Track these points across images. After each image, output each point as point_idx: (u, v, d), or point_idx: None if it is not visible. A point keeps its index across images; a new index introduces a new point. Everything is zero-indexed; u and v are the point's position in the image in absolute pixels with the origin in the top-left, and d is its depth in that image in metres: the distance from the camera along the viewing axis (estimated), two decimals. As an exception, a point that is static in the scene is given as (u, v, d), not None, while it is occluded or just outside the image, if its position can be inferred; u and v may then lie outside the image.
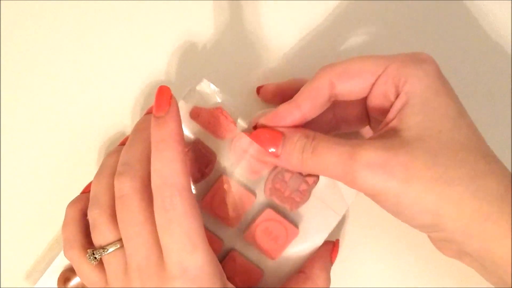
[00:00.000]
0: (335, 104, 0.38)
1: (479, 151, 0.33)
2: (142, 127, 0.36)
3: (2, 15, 0.43)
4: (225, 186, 0.37)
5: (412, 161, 0.32)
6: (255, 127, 0.37)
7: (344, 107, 0.39)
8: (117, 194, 0.33)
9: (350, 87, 0.36)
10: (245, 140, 0.36)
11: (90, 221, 0.34)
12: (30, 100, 0.42)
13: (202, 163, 0.37)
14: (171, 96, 0.33)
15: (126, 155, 0.35)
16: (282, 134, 0.36)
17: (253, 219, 0.37)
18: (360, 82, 0.35)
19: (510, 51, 0.43)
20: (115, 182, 0.34)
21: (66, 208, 0.37)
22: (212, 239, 0.37)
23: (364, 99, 0.37)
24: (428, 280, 0.41)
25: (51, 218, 0.41)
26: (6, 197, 0.41)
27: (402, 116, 0.33)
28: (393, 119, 0.34)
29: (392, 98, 0.35)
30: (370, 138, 0.35)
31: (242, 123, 0.37)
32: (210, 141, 0.37)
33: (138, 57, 0.43)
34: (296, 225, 0.37)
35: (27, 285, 0.41)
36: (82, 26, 0.43)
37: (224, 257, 0.37)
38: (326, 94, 0.36)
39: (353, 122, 0.39)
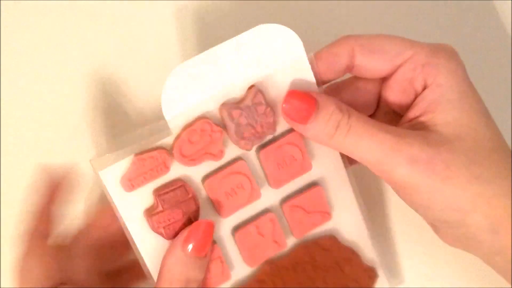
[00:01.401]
0: (343, 87, 0.37)
1: (507, 151, 0.33)
2: None
3: (2, 15, 0.43)
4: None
5: (453, 160, 0.32)
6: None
7: (353, 90, 0.37)
8: None
9: (372, 62, 0.35)
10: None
11: None
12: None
13: (188, 210, 0.35)
14: None
15: None
16: (316, 101, 0.33)
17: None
18: (383, 60, 0.35)
19: (510, 51, 0.43)
20: None
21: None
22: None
23: (379, 85, 0.36)
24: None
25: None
26: (6, 197, 0.42)
27: (437, 110, 0.33)
28: (424, 112, 0.34)
29: (418, 88, 0.34)
30: (403, 128, 0.34)
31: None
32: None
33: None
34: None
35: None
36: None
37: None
38: (344, 62, 0.35)
39: (358, 107, 0.36)
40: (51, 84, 0.42)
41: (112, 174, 0.33)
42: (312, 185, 0.37)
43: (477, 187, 0.32)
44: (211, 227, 0.33)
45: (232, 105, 0.34)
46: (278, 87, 0.35)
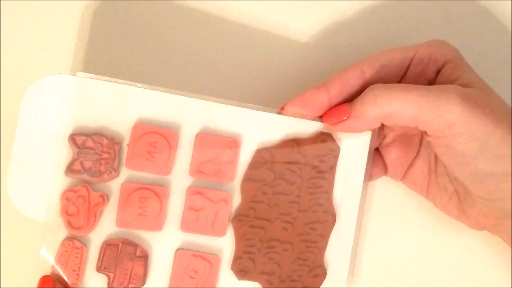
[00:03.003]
0: None
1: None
2: None
3: (2, 15, 0.43)
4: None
5: (492, 105, 0.34)
6: (282, 109, 0.38)
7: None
8: None
9: (383, 76, 0.37)
10: None
11: None
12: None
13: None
14: None
15: None
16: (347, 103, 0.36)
17: None
18: (393, 69, 0.37)
19: (510, 51, 0.43)
20: None
21: None
22: None
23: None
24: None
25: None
26: (6, 197, 0.41)
27: (459, 76, 0.36)
28: (450, 81, 0.36)
29: (431, 74, 0.37)
30: None
31: None
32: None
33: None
34: None
35: (27, 285, 0.41)
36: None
37: None
38: (357, 82, 0.36)
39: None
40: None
41: None
42: None
43: None
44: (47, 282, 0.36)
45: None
46: None
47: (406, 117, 0.34)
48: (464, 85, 0.35)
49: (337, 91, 0.36)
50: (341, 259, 0.39)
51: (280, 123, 0.38)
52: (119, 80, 0.37)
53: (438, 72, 0.37)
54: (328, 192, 0.38)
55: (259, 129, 0.38)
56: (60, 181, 0.36)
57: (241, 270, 0.38)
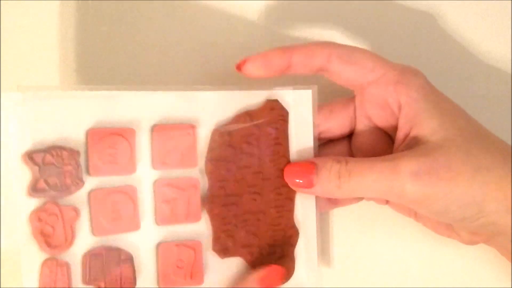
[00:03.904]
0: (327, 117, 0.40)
1: (494, 138, 0.37)
2: None
3: (2, 15, 0.41)
4: None
5: (451, 160, 0.34)
6: (238, 67, 0.38)
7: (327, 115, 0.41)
8: None
9: (346, 72, 0.38)
10: None
11: None
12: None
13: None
14: None
15: None
16: (314, 163, 0.37)
17: None
18: (357, 72, 0.38)
19: (510, 51, 0.44)
20: None
21: None
22: None
23: (352, 104, 0.40)
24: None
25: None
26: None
27: (420, 121, 0.36)
28: (410, 128, 0.36)
29: (394, 107, 0.37)
30: (398, 150, 0.37)
31: None
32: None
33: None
34: None
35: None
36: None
37: None
38: (319, 62, 0.37)
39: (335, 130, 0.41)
40: None
41: None
42: None
43: (482, 176, 0.34)
44: None
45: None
46: None
47: (372, 197, 0.38)
48: (422, 136, 0.36)
49: (299, 61, 0.37)
50: (308, 214, 0.41)
51: (232, 100, 0.39)
52: (66, 86, 0.35)
53: (399, 107, 0.37)
54: (285, 155, 0.40)
55: (213, 109, 0.38)
56: (23, 203, 0.34)
57: (222, 249, 0.39)
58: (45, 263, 0.34)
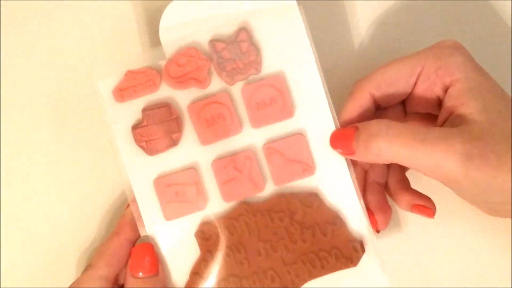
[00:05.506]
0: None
1: None
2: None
3: (2, 15, 0.42)
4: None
5: (499, 148, 0.34)
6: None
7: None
8: None
9: (392, 94, 0.37)
10: None
11: None
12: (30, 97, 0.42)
13: (170, 130, 0.38)
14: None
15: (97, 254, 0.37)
16: (355, 128, 0.37)
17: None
18: (400, 87, 0.37)
19: (510, 51, 0.44)
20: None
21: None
22: None
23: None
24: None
25: (51, 219, 0.41)
26: (6, 198, 0.41)
27: (465, 101, 0.35)
28: (455, 108, 0.35)
29: (440, 92, 0.37)
30: (443, 126, 0.36)
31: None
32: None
33: None
34: None
35: (27, 285, 0.41)
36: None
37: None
38: (368, 104, 0.38)
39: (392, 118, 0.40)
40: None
41: (106, 85, 0.37)
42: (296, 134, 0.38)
43: None
44: (150, 249, 0.37)
45: (217, 39, 0.38)
46: (267, 29, 0.38)
47: (410, 166, 0.36)
48: (468, 114, 0.35)
49: (352, 118, 0.38)
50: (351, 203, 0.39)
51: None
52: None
53: (446, 89, 0.37)
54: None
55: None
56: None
57: None
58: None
